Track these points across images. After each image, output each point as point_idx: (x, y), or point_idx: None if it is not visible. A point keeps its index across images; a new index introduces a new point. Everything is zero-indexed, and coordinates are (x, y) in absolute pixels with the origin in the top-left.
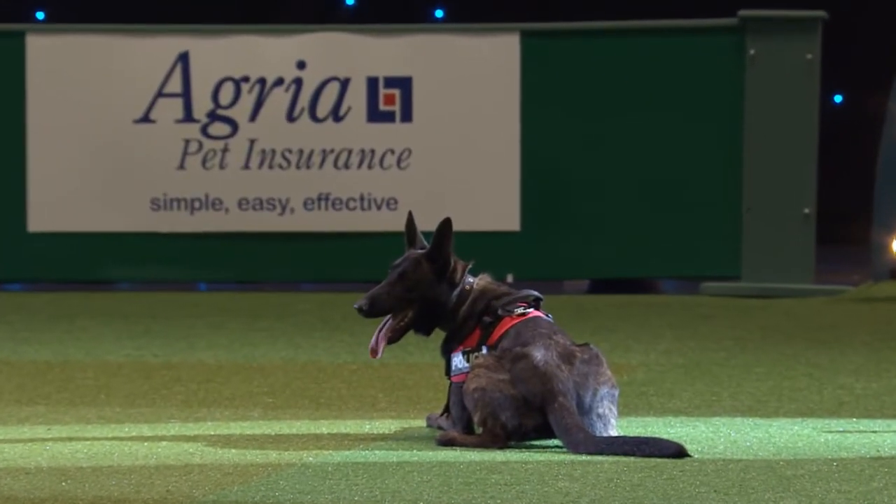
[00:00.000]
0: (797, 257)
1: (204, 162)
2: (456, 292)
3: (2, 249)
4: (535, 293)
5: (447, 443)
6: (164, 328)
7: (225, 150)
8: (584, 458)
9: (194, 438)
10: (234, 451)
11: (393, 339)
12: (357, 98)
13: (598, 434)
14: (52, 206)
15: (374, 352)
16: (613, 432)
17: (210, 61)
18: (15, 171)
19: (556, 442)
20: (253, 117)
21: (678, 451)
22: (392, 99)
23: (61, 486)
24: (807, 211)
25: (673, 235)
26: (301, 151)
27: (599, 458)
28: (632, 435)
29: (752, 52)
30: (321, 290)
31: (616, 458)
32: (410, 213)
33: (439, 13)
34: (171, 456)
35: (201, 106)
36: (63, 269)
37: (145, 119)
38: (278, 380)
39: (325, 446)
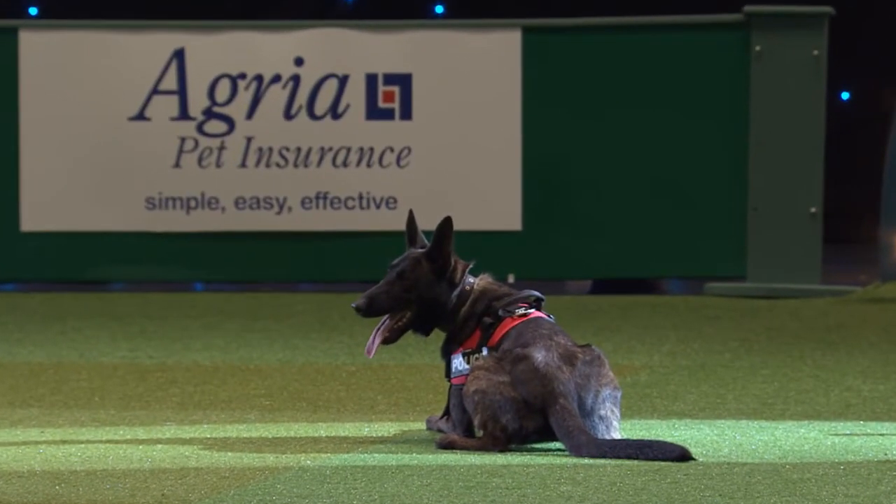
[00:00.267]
0: (803, 257)
1: (200, 160)
2: (456, 293)
3: None
4: (537, 293)
5: (447, 446)
6: (159, 329)
7: (221, 148)
8: (586, 461)
9: (190, 441)
10: (230, 454)
11: (390, 339)
12: (356, 95)
13: (600, 437)
14: (45, 205)
15: (368, 351)
16: (616, 435)
17: (206, 58)
18: (7, 169)
19: (557, 445)
20: (250, 115)
21: (682, 455)
22: (391, 96)
23: (55, 490)
24: (813, 210)
25: (677, 235)
26: (299, 149)
27: (602, 461)
28: (635, 438)
29: (757, 48)
30: (319, 290)
31: (619, 462)
32: (411, 212)
33: (439, 9)
34: (166, 459)
35: (197, 103)
36: (56, 269)
37: (140, 116)
38: (275, 382)
39: (323, 449)
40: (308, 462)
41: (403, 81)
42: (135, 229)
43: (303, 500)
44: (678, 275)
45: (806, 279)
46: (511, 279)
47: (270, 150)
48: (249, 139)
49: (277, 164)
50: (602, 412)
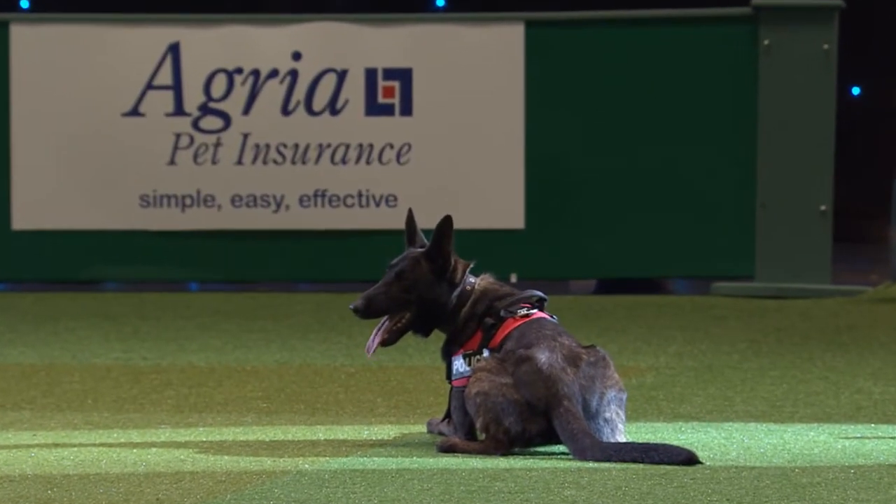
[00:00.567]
0: (813, 256)
1: (195, 157)
2: (456, 293)
3: None
4: (539, 294)
5: (448, 449)
6: (153, 330)
7: (217, 144)
8: (590, 465)
9: (185, 445)
10: (226, 457)
11: (389, 340)
12: (355, 90)
13: (605, 440)
14: (36, 204)
15: (368, 349)
16: (621, 438)
17: (202, 52)
18: None
19: (561, 448)
20: (246, 110)
21: (689, 458)
22: (391, 91)
23: (47, 495)
24: (823, 207)
25: (683, 233)
26: (296, 146)
27: (607, 465)
28: (640, 441)
29: (766, 42)
30: (317, 290)
31: (624, 466)
32: (410, 210)
33: (440, 2)
34: (161, 463)
35: (192, 99)
36: (49, 269)
37: (134, 112)
38: (273, 384)
39: (321, 453)
40: (306, 466)
41: (404, 76)
42: (129, 228)
43: None
44: (685, 274)
45: (815, 279)
46: (513, 279)
47: (267, 146)
48: (246, 135)
49: (275, 161)
50: (607, 415)
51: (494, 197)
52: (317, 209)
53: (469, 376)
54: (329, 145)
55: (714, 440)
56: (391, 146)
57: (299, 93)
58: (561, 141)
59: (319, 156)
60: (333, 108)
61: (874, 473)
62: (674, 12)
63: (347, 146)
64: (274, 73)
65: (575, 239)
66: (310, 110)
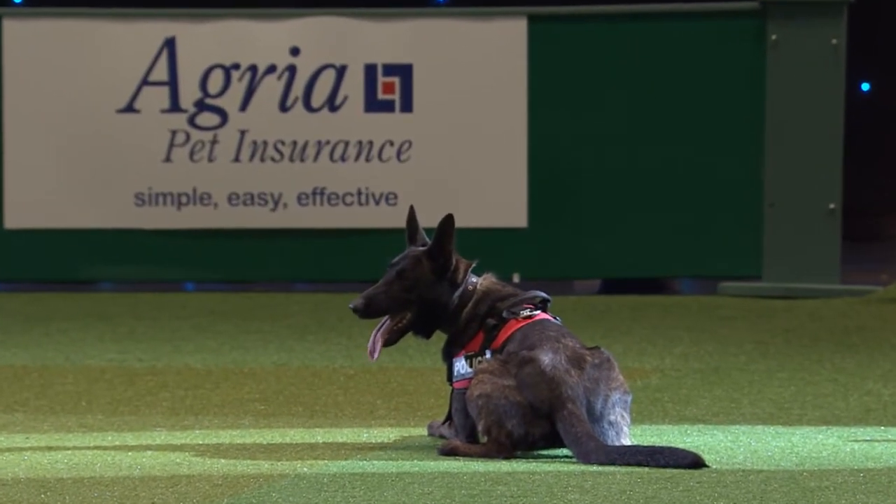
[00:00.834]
0: (822, 255)
1: (191, 154)
2: (458, 293)
3: None
4: (543, 294)
5: (449, 452)
6: (149, 331)
7: (214, 141)
8: (595, 468)
9: (181, 448)
10: (223, 461)
11: (390, 341)
12: (354, 86)
13: (609, 443)
14: (29, 202)
15: (371, 353)
16: (626, 441)
17: (198, 47)
18: None
19: (565, 451)
20: (244, 107)
21: (695, 462)
22: (391, 87)
23: (40, 499)
24: (832, 206)
25: (689, 232)
26: (295, 143)
27: (611, 468)
28: (646, 444)
29: (773, 37)
30: (316, 290)
31: (629, 469)
32: (412, 208)
33: None
34: (156, 466)
35: (189, 95)
36: (42, 269)
37: (129, 109)
38: (270, 386)
39: (320, 456)
40: (304, 469)
41: (404, 72)
42: (123, 226)
43: None
44: (691, 274)
45: (824, 278)
46: (516, 279)
47: (265, 143)
48: (243, 132)
49: (272, 159)
50: (612, 417)
51: (497, 195)
52: (315, 207)
53: (471, 378)
54: (328, 142)
55: (720, 443)
56: (391, 143)
57: (297, 89)
58: (564, 138)
59: (318, 153)
60: (332, 104)
61: (884, 477)
62: (680, 7)
63: (347, 143)
64: (272, 69)
65: (579, 238)
66: (308, 107)
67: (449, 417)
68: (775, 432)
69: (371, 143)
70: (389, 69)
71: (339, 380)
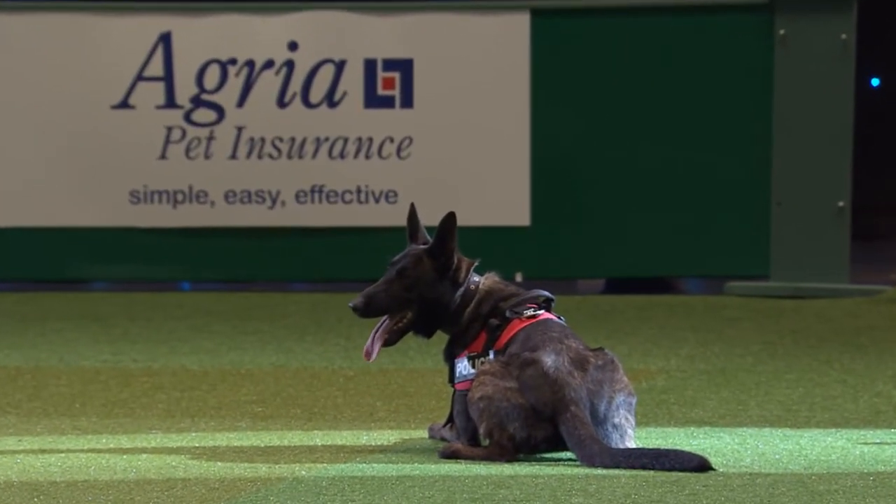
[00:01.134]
0: (830, 254)
1: (187, 151)
2: (460, 292)
3: None
4: (546, 293)
5: (451, 455)
6: (144, 331)
7: (210, 138)
8: (599, 472)
9: (177, 451)
10: (220, 464)
11: (390, 341)
12: (353, 82)
13: (613, 446)
14: (21, 200)
15: (368, 354)
16: (631, 444)
17: (194, 42)
18: None
19: (568, 454)
20: (241, 103)
21: (701, 465)
22: (391, 83)
23: (33, 503)
24: (841, 204)
25: (696, 231)
26: (293, 140)
27: (616, 471)
28: (651, 447)
29: (782, 31)
30: (314, 290)
31: (634, 472)
32: (413, 206)
33: None
34: (151, 470)
35: (185, 91)
36: (35, 268)
37: (124, 105)
38: (268, 387)
39: (318, 459)
40: (303, 473)
41: (404, 67)
42: (118, 225)
43: None
44: (697, 273)
45: (833, 278)
46: (519, 278)
47: (262, 140)
48: (240, 129)
49: (270, 156)
50: (616, 420)
51: (499, 193)
52: (314, 205)
53: (472, 379)
54: (326, 139)
55: (727, 446)
56: (391, 140)
57: (296, 84)
58: (568, 135)
59: (317, 150)
60: (331, 100)
61: (894, 480)
62: (686, 0)
63: (346, 140)
64: (269, 64)
65: (583, 236)
66: (306, 102)
67: (450, 420)
68: (783, 435)
69: (371, 139)
70: (389, 64)
71: (339, 381)
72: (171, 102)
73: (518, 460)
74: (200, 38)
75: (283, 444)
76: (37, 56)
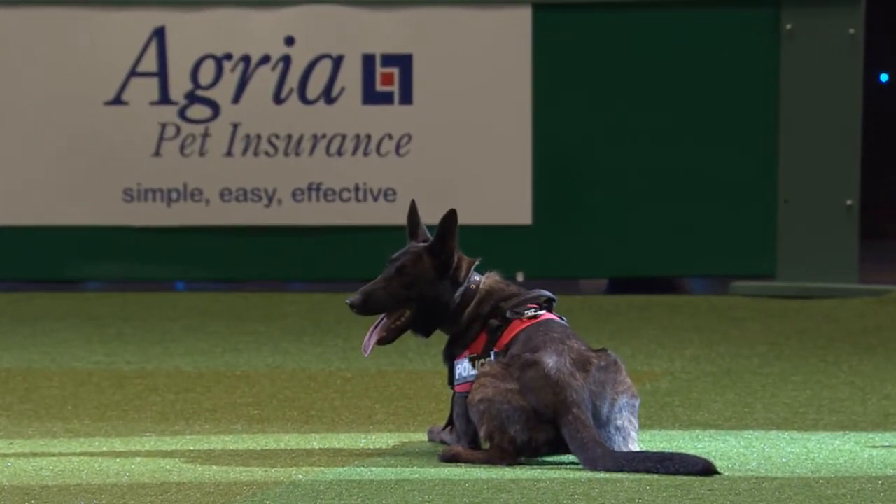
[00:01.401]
0: (838, 253)
1: (182, 148)
2: (460, 291)
3: None
4: (548, 293)
5: (450, 459)
6: (137, 332)
7: (205, 135)
8: (602, 475)
9: (171, 454)
10: (215, 468)
11: (386, 339)
12: (351, 77)
13: (617, 449)
14: (12, 198)
15: (365, 348)
16: (634, 447)
17: (189, 37)
18: None
19: (570, 458)
20: (236, 99)
21: (705, 468)
22: (390, 78)
23: None
24: (849, 202)
25: (700, 229)
26: (289, 137)
27: (619, 475)
28: (655, 450)
29: (788, 26)
30: (311, 290)
31: (637, 476)
32: (413, 202)
33: None
34: (145, 473)
35: (179, 86)
36: (26, 267)
37: (117, 101)
38: (264, 389)
39: (316, 462)
40: (300, 476)
41: (403, 62)
42: (111, 223)
43: None
44: (702, 273)
45: (841, 277)
46: (520, 278)
47: (258, 137)
48: (236, 125)
49: (266, 153)
50: (619, 422)
51: (500, 191)
52: (311, 204)
53: (473, 381)
54: (324, 136)
55: (733, 449)
56: (390, 137)
57: (292, 80)
58: (571, 132)
59: (314, 147)
60: (329, 96)
61: None
62: None
63: (343, 137)
64: (265, 59)
65: (585, 235)
66: (304, 99)
67: (450, 422)
68: (790, 438)
69: (369, 136)
70: (388, 59)
71: (336, 383)
72: (165, 98)
73: (519, 464)
74: (195, 32)
75: (280, 448)
76: (28, 51)
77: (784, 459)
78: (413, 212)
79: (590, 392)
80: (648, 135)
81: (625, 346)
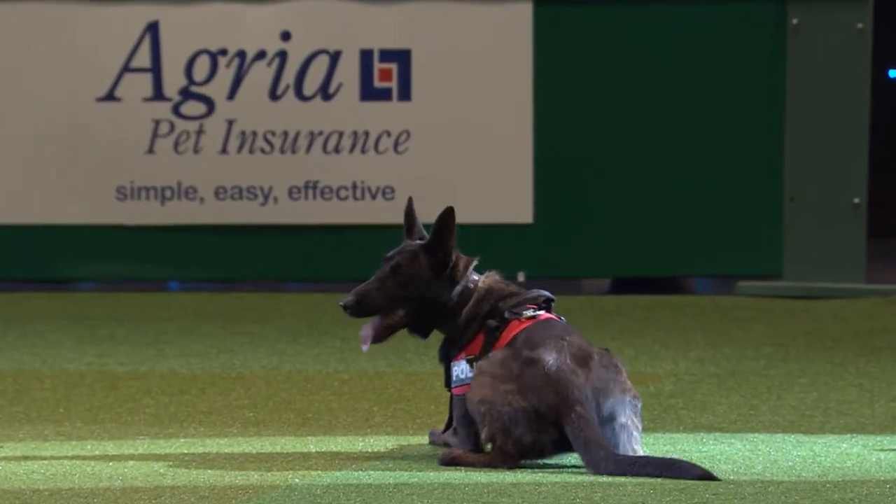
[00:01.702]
0: (846, 253)
1: (176, 145)
2: (457, 291)
3: None
4: (547, 293)
5: (451, 462)
6: (131, 333)
7: (200, 132)
8: (604, 479)
9: (165, 457)
10: (210, 471)
11: (379, 337)
12: (349, 73)
13: (621, 447)
14: (3, 196)
15: (363, 341)
16: (637, 445)
17: (183, 32)
18: None
19: (572, 460)
20: (231, 95)
21: (702, 475)
22: (388, 74)
23: None
24: (857, 200)
25: (705, 228)
26: (286, 134)
27: (622, 479)
28: (658, 455)
29: (795, 21)
30: (308, 290)
31: (641, 480)
32: (410, 200)
33: None
34: (138, 477)
35: (173, 82)
36: (17, 267)
37: (110, 97)
38: (260, 391)
39: (312, 466)
40: (296, 480)
41: (402, 58)
42: (104, 222)
43: None
44: (707, 273)
45: (848, 277)
46: (521, 277)
47: (254, 134)
48: (231, 122)
49: (262, 150)
50: (622, 420)
51: (500, 189)
52: (308, 202)
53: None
54: (321, 133)
55: (738, 452)
56: (388, 134)
57: (288, 76)
58: (573, 129)
59: (310, 144)
60: (326, 92)
61: None
62: None
63: (341, 134)
64: (261, 55)
65: (587, 234)
66: (300, 95)
67: (450, 424)
68: (796, 441)
69: (367, 133)
70: (386, 55)
71: (333, 385)
72: (158, 95)
73: (521, 467)
74: (189, 27)
75: (276, 451)
76: (17, 47)
77: (790, 463)
78: (410, 209)
79: (593, 388)
80: (652, 132)
81: (628, 348)
